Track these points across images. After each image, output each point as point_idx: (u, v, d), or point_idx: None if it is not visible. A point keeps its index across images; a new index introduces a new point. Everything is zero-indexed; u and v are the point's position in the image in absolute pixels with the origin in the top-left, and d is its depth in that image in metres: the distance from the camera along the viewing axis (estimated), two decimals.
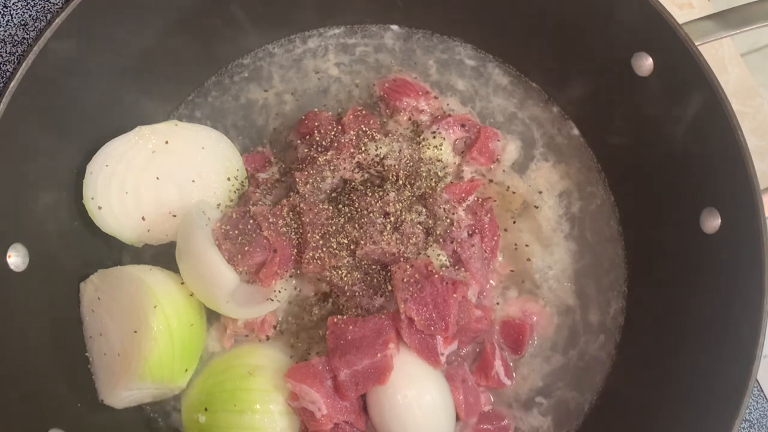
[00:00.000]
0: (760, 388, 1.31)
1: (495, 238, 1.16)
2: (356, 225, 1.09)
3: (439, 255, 1.10)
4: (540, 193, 1.24)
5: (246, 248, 1.08)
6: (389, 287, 1.06)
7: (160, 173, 1.13)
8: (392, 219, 1.10)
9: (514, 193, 1.23)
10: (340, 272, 1.08)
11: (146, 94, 1.21)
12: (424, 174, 1.15)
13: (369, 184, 1.15)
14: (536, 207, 1.23)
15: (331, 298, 1.14)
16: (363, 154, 1.15)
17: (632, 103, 1.14)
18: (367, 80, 1.31)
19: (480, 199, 1.17)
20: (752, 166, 0.97)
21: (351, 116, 1.19)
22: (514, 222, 1.22)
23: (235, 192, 1.18)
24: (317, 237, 1.08)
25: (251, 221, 1.10)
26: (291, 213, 1.11)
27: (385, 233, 1.08)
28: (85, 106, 1.09)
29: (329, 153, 1.14)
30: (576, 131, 1.28)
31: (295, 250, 1.10)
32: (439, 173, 1.17)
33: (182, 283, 1.09)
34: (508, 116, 1.29)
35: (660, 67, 1.08)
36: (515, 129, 1.28)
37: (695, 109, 1.04)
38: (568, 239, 1.22)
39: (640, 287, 1.19)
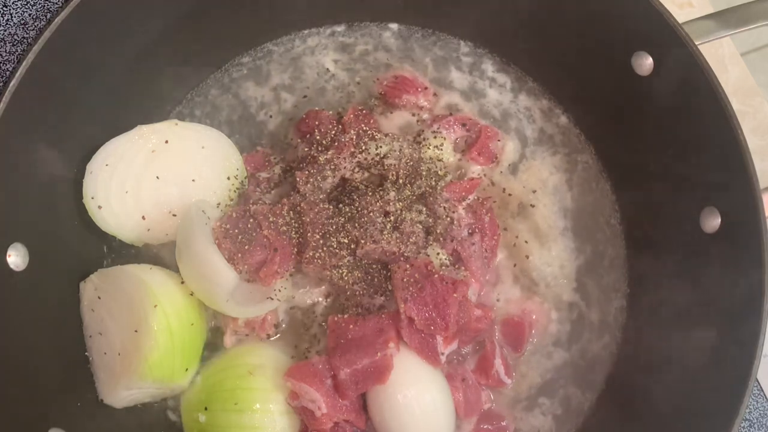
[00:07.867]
0: (760, 388, 1.31)
1: (495, 237, 1.16)
2: (356, 224, 1.09)
3: (439, 254, 1.10)
4: (534, 192, 1.23)
5: (246, 247, 1.08)
6: (390, 286, 1.06)
7: (160, 172, 1.12)
8: (392, 218, 1.10)
9: (510, 195, 1.23)
10: (340, 271, 1.08)
11: (146, 93, 1.21)
12: (424, 173, 1.15)
13: (369, 184, 1.15)
14: (532, 206, 1.23)
15: (332, 297, 1.14)
16: (363, 154, 1.15)
17: (632, 103, 1.14)
18: (367, 78, 1.31)
19: (480, 198, 1.17)
20: (752, 166, 0.97)
21: (351, 116, 1.18)
22: (510, 221, 1.21)
23: (235, 191, 1.18)
24: (317, 236, 1.08)
25: (251, 220, 1.10)
26: (291, 212, 1.11)
27: (385, 232, 1.08)
28: (85, 105, 1.09)
29: (330, 152, 1.14)
30: (575, 130, 1.28)
31: (296, 249, 1.10)
32: (440, 172, 1.17)
33: (182, 283, 1.09)
34: (506, 114, 1.29)
35: (660, 67, 1.08)
36: (514, 127, 1.28)
37: (695, 108, 1.04)
38: (568, 238, 1.22)
39: (641, 286, 1.19)
